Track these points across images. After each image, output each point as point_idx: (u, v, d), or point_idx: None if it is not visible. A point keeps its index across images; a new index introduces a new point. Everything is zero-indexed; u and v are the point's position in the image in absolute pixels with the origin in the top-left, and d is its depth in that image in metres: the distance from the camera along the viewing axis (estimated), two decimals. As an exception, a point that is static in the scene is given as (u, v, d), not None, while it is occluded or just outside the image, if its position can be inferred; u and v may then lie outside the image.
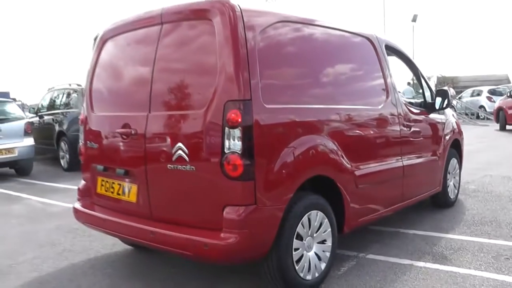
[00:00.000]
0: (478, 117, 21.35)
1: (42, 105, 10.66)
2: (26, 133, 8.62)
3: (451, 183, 5.38)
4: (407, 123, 4.31)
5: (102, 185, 3.58)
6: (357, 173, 3.56)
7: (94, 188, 3.66)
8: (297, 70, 3.26)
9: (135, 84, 3.33)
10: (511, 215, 5.02)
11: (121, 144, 3.33)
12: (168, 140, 2.99)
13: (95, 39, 4.20)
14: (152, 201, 3.14)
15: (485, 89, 22.34)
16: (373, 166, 3.80)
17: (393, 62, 4.53)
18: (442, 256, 3.85)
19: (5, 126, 8.38)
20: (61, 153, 9.44)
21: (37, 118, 10.38)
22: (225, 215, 2.75)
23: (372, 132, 3.84)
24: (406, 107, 4.37)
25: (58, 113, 9.73)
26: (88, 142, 3.70)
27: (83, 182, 3.86)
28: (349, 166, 3.46)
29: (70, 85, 9.98)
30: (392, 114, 4.10)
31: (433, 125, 4.91)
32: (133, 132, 3.19)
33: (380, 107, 3.98)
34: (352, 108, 3.63)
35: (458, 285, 3.28)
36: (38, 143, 9.25)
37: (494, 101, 18.05)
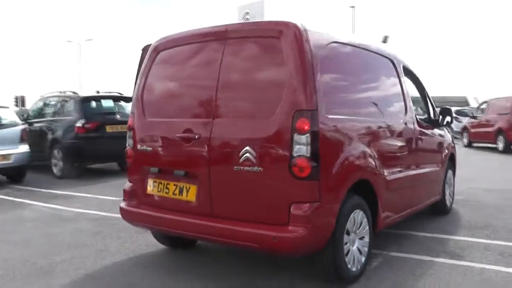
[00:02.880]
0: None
1: (32, 111, 10.57)
2: (22, 140, 8.58)
3: (447, 192, 5.92)
4: (420, 136, 4.81)
5: (154, 186, 3.82)
6: (387, 178, 3.98)
7: (143, 189, 3.89)
8: (348, 85, 3.69)
9: (197, 93, 3.63)
10: (503, 221, 5.58)
11: (181, 147, 3.60)
12: (235, 144, 3.30)
13: (143, 50, 4.44)
14: (214, 199, 3.42)
15: (452, 109, 23.62)
16: (397, 173, 4.23)
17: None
18: (455, 254, 4.31)
19: (1, 132, 8.33)
20: (54, 161, 9.41)
21: (27, 125, 10.29)
22: (292, 211, 3.08)
23: (396, 143, 4.30)
24: (418, 122, 4.86)
25: (51, 121, 9.71)
26: (139, 146, 3.93)
27: (129, 183, 4.08)
28: (382, 172, 3.87)
29: (64, 92, 9.99)
30: (410, 128, 4.58)
31: (437, 139, 5.45)
32: (196, 136, 3.47)
33: (401, 121, 4.44)
34: (385, 121, 4.08)
35: (477, 276, 3.73)
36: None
37: (460, 121, 19.20)
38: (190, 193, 3.56)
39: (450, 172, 5.97)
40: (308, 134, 3.06)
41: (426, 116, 5.54)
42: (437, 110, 5.58)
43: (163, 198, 3.74)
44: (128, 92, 10.88)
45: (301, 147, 3.07)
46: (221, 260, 4.20)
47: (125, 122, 9.83)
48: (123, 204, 4.07)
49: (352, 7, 40.26)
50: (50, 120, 9.79)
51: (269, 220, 3.19)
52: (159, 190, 3.78)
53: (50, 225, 5.59)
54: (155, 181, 3.81)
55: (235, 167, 3.28)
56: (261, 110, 3.27)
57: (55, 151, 9.33)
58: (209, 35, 3.64)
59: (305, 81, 3.11)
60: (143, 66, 4.07)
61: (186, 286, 3.59)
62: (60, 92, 10.20)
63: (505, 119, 14.62)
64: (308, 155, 3.06)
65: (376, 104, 4.04)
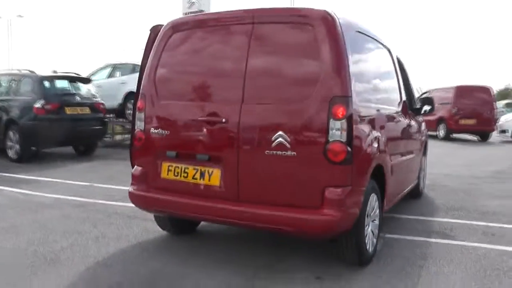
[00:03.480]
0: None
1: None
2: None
3: (421, 177, 6.29)
4: (409, 124, 5.07)
5: (169, 170, 3.73)
6: (392, 164, 4.18)
7: (156, 173, 3.80)
8: (368, 74, 3.82)
9: (222, 76, 3.57)
10: (473, 203, 6.04)
11: (204, 131, 3.55)
12: (267, 128, 3.31)
13: (151, 30, 4.26)
14: (241, 183, 3.41)
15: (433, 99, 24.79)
16: (396, 159, 4.45)
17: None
18: (444, 234, 4.62)
19: None
20: (9, 143, 8.82)
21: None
22: (327, 194, 3.17)
23: (396, 130, 4.51)
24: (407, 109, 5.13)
25: (4, 100, 9.05)
26: (152, 129, 3.81)
27: (138, 168, 3.96)
28: (390, 158, 4.06)
29: (19, 70, 9.33)
30: (404, 114, 4.82)
31: (419, 127, 5.76)
32: (223, 120, 3.44)
33: (399, 109, 4.67)
34: (391, 109, 4.27)
35: (473, 254, 4.03)
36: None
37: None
38: (213, 178, 3.53)
39: (424, 157, 6.34)
40: (344, 120, 3.15)
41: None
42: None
43: (180, 182, 3.67)
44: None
45: (337, 132, 3.15)
46: (227, 246, 4.21)
47: (84, 104, 9.57)
48: (132, 189, 3.95)
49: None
50: (3, 100, 9.12)
51: (300, 203, 3.26)
52: (175, 174, 3.70)
53: (33, 212, 5.29)
54: (170, 165, 3.73)
55: (266, 151, 3.30)
56: (295, 95, 3.30)
57: (11, 133, 8.76)
58: (234, 19, 3.60)
59: (341, 68, 3.18)
60: (155, 46, 3.92)
61: (207, 272, 3.58)
62: (15, 70, 9.52)
63: (446, 109, 15.64)
64: (344, 140, 3.15)
65: (385, 92, 4.21)
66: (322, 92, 3.18)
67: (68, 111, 9.07)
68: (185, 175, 3.66)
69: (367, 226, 3.62)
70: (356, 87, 3.35)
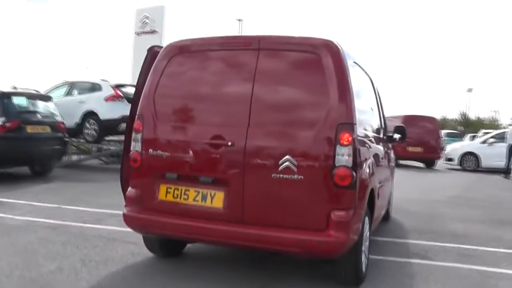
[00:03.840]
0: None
1: None
2: None
3: (391, 200, 6.58)
4: (387, 150, 5.35)
5: (168, 192, 3.72)
6: (378, 188, 4.38)
7: (153, 195, 3.76)
8: (362, 103, 4.00)
9: (228, 100, 3.63)
10: (440, 226, 6.39)
11: (208, 154, 3.58)
12: (274, 152, 3.40)
13: (149, 50, 4.26)
14: (246, 206, 3.46)
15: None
16: (380, 182, 4.66)
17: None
18: (423, 256, 4.85)
19: None
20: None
21: None
22: (333, 217, 3.28)
23: (380, 156, 4.74)
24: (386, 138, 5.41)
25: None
26: (150, 150, 3.79)
27: (133, 189, 3.90)
28: (377, 181, 4.26)
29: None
30: (384, 140, 5.08)
31: (392, 153, 6.07)
32: (229, 143, 3.49)
33: (381, 135, 4.92)
34: (378, 135, 4.50)
35: (456, 274, 4.28)
36: None
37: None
38: (216, 200, 3.55)
39: (392, 182, 6.65)
40: (350, 146, 3.30)
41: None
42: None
43: (179, 204, 3.66)
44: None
45: (343, 157, 3.29)
46: (220, 268, 4.20)
47: (45, 123, 9.23)
48: (126, 211, 3.89)
49: (240, 20, 42.28)
50: None
51: (305, 225, 3.35)
52: (175, 196, 3.69)
53: (7, 234, 5.01)
54: (169, 187, 3.71)
55: (273, 174, 3.38)
56: (301, 121, 3.42)
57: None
58: (239, 44, 3.70)
59: (346, 96, 3.35)
60: (154, 67, 3.93)
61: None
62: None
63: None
64: (350, 165, 3.29)
65: (374, 120, 4.43)
66: (329, 119, 3.32)
67: (29, 129, 8.72)
68: (186, 197, 3.65)
69: (363, 247, 3.76)
70: (356, 115, 3.53)
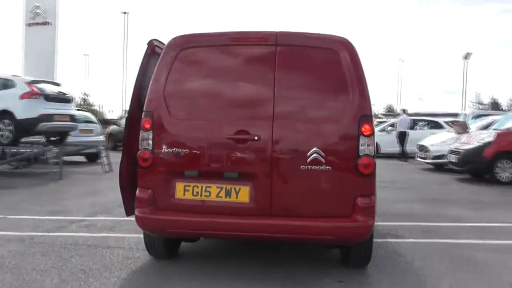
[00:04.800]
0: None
1: None
2: None
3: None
4: None
5: (186, 190, 3.65)
6: None
7: (168, 194, 3.66)
8: None
9: (249, 95, 3.65)
10: (389, 207, 6.93)
11: (233, 149, 3.58)
12: (303, 145, 3.52)
13: (149, 44, 4.04)
14: (275, 199, 3.54)
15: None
16: None
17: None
18: (395, 235, 5.33)
19: None
20: None
21: None
22: (360, 204, 3.50)
23: None
24: None
25: None
26: (165, 148, 3.67)
27: (144, 189, 3.75)
28: None
29: None
30: None
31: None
32: (256, 138, 3.53)
33: None
34: None
35: (432, 248, 4.79)
36: None
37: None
38: (241, 195, 3.58)
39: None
40: (371, 136, 3.55)
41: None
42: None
43: (201, 202, 3.62)
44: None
45: (366, 147, 3.53)
46: (233, 263, 4.22)
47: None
48: (139, 213, 3.72)
49: (125, 13, 41.04)
50: None
51: (332, 213, 3.53)
52: (195, 194, 3.63)
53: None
54: (187, 185, 3.64)
55: (302, 166, 3.50)
56: (325, 114, 3.59)
57: None
58: (255, 39, 3.73)
59: (365, 90, 3.58)
60: (160, 62, 3.78)
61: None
62: None
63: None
64: (372, 154, 3.54)
65: None
66: (352, 111, 3.53)
67: None
68: (207, 194, 3.62)
69: (371, 230, 4.06)
70: None
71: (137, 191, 3.78)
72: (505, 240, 5.26)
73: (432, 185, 10.05)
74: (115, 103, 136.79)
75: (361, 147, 3.53)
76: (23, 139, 10.83)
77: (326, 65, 3.65)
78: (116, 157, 12.24)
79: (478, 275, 3.99)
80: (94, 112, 34.76)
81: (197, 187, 3.64)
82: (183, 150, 3.66)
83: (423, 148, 13.65)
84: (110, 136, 19.35)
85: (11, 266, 4.01)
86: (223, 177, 3.59)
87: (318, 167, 3.51)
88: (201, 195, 3.63)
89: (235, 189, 3.59)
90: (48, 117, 10.14)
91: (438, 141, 13.39)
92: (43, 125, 10.09)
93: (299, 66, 3.69)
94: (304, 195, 3.56)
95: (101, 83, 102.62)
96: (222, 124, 3.64)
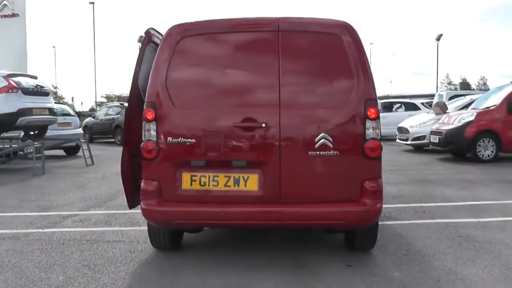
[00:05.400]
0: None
1: None
2: None
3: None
4: None
5: (193, 180, 3.60)
6: None
7: (174, 185, 3.61)
8: None
9: (254, 82, 3.61)
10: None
11: (240, 137, 3.54)
12: (310, 131, 3.51)
13: (146, 33, 3.92)
14: (284, 186, 3.53)
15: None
16: None
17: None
18: (390, 218, 5.41)
19: None
20: None
21: None
22: (368, 187, 3.53)
23: None
24: None
25: None
26: (170, 139, 3.60)
27: (149, 181, 3.67)
28: None
29: None
30: None
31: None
32: (263, 125, 3.50)
33: None
34: None
35: (431, 229, 4.88)
36: None
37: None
38: (250, 183, 3.56)
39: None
40: (377, 119, 3.56)
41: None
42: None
43: (209, 191, 3.59)
44: None
45: (372, 131, 3.54)
46: (243, 251, 4.21)
47: None
48: (145, 205, 3.65)
49: (92, 3, 40.38)
50: None
51: (341, 198, 3.55)
52: (202, 184, 3.59)
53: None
54: (194, 175, 3.60)
55: (310, 152, 3.50)
56: (331, 99, 3.58)
57: None
58: (256, 25, 3.67)
59: (369, 73, 3.59)
60: (159, 51, 3.69)
61: (259, 277, 3.58)
62: None
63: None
64: (378, 137, 3.57)
65: None
66: (357, 95, 3.54)
67: None
68: (215, 183, 3.59)
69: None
70: None
71: (142, 183, 3.71)
72: (496, 217, 5.41)
73: (416, 166, 10.22)
74: (85, 95, 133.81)
75: (367, 131, 3.54)
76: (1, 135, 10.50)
77: (330, 50, 3.63)
78: (94, 150, 12.22)
79: (479, 252, 4.10)
80: (65, 105, 34.02)
81: (204, 177, 3.60)
82: (189, 139, 3.60)
83: (403, 130, 13.87)
84: (85, 128, 19.01)
85: (11, 265, 3.90)
86: (231, 166, 3.56)
87: (326, 152, 3.51)
88: (208, 185, 3.59)
89: (243, 177, 3.57)
90: (27, 111, 9.82)
91: (418, 123, 13.64)
92: (22, 120, 9.78)
93: (302, 52, 3.66)
94: (313, 181, 3.56)
95: (70, 75, 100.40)
96: (228, 112, 3.59)
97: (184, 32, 3.72)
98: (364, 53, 3.64)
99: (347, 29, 3.63)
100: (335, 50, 3.61)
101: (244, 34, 3.70)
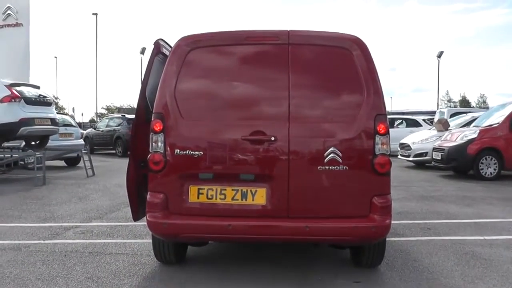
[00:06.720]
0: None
1: None
2: None
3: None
4: None
5: (200, 193, 3.56)
6: None
7: (181, 198, 3.57)
8: None
9: (264, 95, 3.58)
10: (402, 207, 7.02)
11: (248, 150, 3.51)
12: (319, 145, 3.48)
13: (155, 44, 3.92)
14: (292, 200, 3.49)
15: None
16: None
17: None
18: (396, 234, 5.34)
19: None
20: None
21: None
22: (377, 203, 3.49)
23: None
24: None
25: None
26: (177, 151, 3.57)
27: (156, 194, 3.63)
28: None
29: None
30: None
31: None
32: (272, 138, 3.48)
33: None
34: None
35: (437, 245, 4.83)
36: None
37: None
38: (258, 197, 3.52)
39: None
40: (387, 135, 3.54)
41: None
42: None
43: (216, 205, 3.54)
44: None
45: (381, 146, 3.52)
46: (246, 268, 4.16)
47: None
48: (151, 217, 3.60)
49: (95, 14, 40.61)
50: None
51: (349, 213, 3.51)
52: (209, 197, 3.55)
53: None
54: (201, 188, 3.56)
55: (319, 167, 3.47)
56: (341, 113, 3.56)
57: None
58: (266, 38, 3.66)
59: (379, 89, 3.57)
60: (168, 63, 3.67)
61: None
62: None
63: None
64: (388, 153, 3.54)
65: None
66: (367, 110, 3.52)
67: None
68: (222, 196, 3.55)
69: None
70: None
71: (148, 195, 3.67)
72: (503, 235, 5.35)
73: (418, 183, 10.18)
74: (85, 106, 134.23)
75: (377, 146, 3.52)
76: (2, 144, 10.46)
77: (340, 64, 3.62)
78: (94, 161, 12.17)
79: (487, 270, 4.04)
80: (66, 115, 34.05)
81: (212, 190, 3.56)
82: (197, 152, 3.57)
83: (405, 146, 13.84)
84: (86, 139, 18.95)
85: (12, 277, 3.84)
86: (238, 179, 3.53)
87: (335, 167, 3.48)
88: (216, 198, 3.55)
89: (251, 191, 3.53)
90: (29, 121, 9.80)
91: (420, 139, 13.61)
92: (24, 129, 9.74)
93: (312, 65, 3.65)
94: (321, 196, 3.52)
95: (71, 85, 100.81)
96: (237, 125, 3.57)
97: (193, 44, 3.71)
98: (375, 67, 3.62)
99: (357, 43, 3.63)
100: (345, 64, 3.60)
101: (254, 46, 3.70)
